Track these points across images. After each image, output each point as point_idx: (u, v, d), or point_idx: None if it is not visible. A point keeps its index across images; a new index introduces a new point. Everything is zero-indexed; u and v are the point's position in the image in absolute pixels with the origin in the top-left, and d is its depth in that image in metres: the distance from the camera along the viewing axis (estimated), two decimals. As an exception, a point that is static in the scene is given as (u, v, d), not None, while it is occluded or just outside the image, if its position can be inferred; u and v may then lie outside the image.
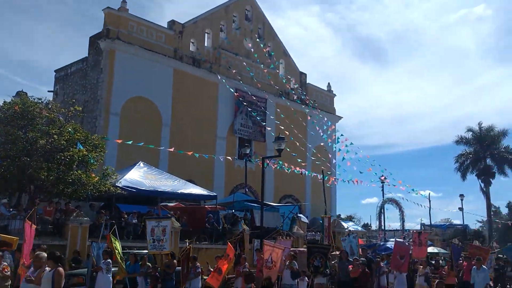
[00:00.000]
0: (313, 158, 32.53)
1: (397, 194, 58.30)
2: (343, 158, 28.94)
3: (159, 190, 20.16)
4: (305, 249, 16.86)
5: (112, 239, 13.12)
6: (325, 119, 33.97)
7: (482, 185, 50.93)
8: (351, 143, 28.87)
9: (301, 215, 27.24)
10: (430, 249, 25.20)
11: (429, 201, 39.42)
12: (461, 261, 17.77)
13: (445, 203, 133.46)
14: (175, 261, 13.38)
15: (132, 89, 28.77)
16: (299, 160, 29.38)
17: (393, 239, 30.92)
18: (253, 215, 24.46)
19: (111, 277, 12.40)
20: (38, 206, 17.46)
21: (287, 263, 14.75)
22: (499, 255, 20.79)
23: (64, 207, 17.86)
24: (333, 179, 33.25)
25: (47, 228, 16.34)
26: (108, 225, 18.38)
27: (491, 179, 50.97)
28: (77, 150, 16.84)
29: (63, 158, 16.67)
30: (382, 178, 31.95)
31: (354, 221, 48.07)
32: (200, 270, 13.46)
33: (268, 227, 23.73)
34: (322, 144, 36.86)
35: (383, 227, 35.12)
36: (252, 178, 30.44)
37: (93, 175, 17.73)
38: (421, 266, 17.13)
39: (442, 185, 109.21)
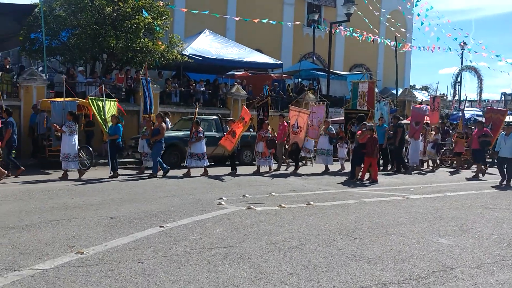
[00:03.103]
0: (387, 24, 30.53)
1: (479, 62, 54.74)
2: (422, 23, 27.02)
3: (225, 58, 20.25)
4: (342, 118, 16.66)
5: (92, 100, 12.33)
6: (404, -21, 31.04)
7: None
8: (431, 7, 26.62)
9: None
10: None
11: (514, 69, 36.70)
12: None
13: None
14: (163, 124, 12.77)
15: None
16: (371, 26, 27.74)
17: (469, 109, 29.74)
18: (320, 83, 24.20)
19: (74, 139, 11.69)
20: (111, 73, 18.38)
21: (322, 128, 14.51)
22: None
23: (135, 75, 18.59)
24: (408, 46, 31.47)
25: (121, 94, 17.25)
26: (177, 92, 19.20)
27: None
28: (143, 17, 16.98)
29: (129, 26, 16.94)
30: (462, 44, 29.68)
31: (429, 92, 46.26)
32: (202, 135, 12.90)
33: (335, 96, 23.58)
34: (399, 7, 34.28)
35: (457, 97, 33.56)
36: (321, 46, 29.51)
37: (160, 43, 18.01)
38: (434, 133, 16.40)
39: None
